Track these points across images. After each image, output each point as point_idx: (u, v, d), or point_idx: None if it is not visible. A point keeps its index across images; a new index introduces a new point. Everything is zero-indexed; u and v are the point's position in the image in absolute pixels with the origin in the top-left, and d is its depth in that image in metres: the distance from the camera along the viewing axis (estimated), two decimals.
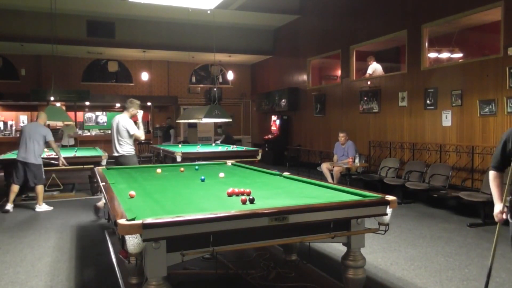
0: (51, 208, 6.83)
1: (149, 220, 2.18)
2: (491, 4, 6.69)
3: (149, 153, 12.36)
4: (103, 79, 15.37)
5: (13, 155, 7.83)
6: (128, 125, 6.02)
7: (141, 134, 6.10)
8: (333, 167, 8.23)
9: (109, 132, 17.13)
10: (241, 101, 16.87)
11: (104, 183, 3.66)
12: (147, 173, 4.81)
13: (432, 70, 7.94)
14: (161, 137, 13.63)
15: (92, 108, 16.67)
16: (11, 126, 15.47)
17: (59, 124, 11.72)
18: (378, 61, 9.69)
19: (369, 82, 9.49)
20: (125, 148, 6.08)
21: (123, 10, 11.70)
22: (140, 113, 6.17)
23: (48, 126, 13.89)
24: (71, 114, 11.99)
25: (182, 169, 5.01)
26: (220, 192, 3.27)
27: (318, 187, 3.53)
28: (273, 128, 13.85)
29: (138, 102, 6.26)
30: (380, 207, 2.77)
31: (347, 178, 8.12)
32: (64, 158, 7.84)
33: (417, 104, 8.14)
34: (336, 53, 10.90)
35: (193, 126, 15.47)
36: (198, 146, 10.26)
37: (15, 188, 6.74)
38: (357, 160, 8.09)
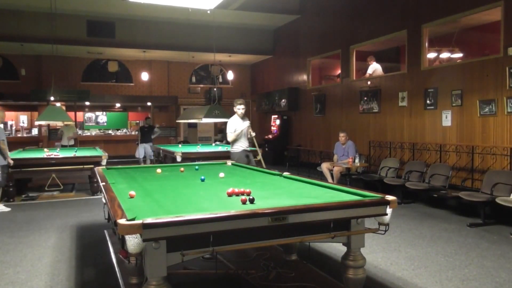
0: (9, 209, 6.74)
1: (149, 220, 2.18)
2: (491, 4, 6.69)
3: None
4: (103, 79, 15.37)
5: (12, 155, 7.85)
6: (228, 124, 6.45)
7: (229, 135, 6.39)
8: (333, 167, 8.23)
9: (109, 132, 17.08)
10: None
11: (104, 183, 3.66)
12: (147, 173, 4.82)
13: (432, 70, 7.94)
14: (140, 138, 12.01)
15: (92, 108, 16.67)
16: (11, 126, 15.47)
17: (59, 124, 11.70)
18: (378, 61, 9.69)
19: (369, 82, 9.49)
20: (233, 145, 6.49)
21: (123, 10, 11.70)
22: (245, 123, 6.45)
23: (48, 126, 13.99)
24: (71, 114, 11.97)
25: (182, 169, 5.01)
26: (220, 192, 3.27)
27: (318, 187, 3.53)
28: (273, 128, 13.85)
29: (238, 101, 6.54)
30: (380, 207, 2.77)
31: (347, 178, 8.12)
32: (64, 158, 7.91)
33: (417, 104, 8.14)
34: (336, 53, 10.89)
35: (193, 126, 15.46)
36: (198, 146, 10.27)
37: None
38: (357, 160, 8.10)
